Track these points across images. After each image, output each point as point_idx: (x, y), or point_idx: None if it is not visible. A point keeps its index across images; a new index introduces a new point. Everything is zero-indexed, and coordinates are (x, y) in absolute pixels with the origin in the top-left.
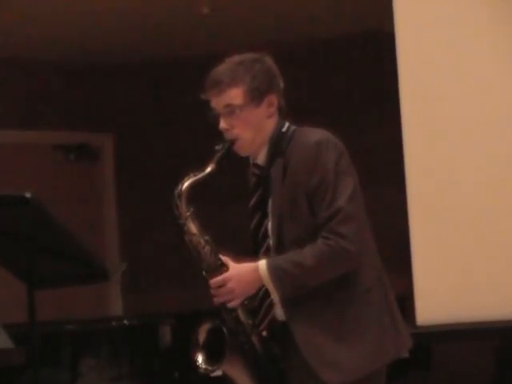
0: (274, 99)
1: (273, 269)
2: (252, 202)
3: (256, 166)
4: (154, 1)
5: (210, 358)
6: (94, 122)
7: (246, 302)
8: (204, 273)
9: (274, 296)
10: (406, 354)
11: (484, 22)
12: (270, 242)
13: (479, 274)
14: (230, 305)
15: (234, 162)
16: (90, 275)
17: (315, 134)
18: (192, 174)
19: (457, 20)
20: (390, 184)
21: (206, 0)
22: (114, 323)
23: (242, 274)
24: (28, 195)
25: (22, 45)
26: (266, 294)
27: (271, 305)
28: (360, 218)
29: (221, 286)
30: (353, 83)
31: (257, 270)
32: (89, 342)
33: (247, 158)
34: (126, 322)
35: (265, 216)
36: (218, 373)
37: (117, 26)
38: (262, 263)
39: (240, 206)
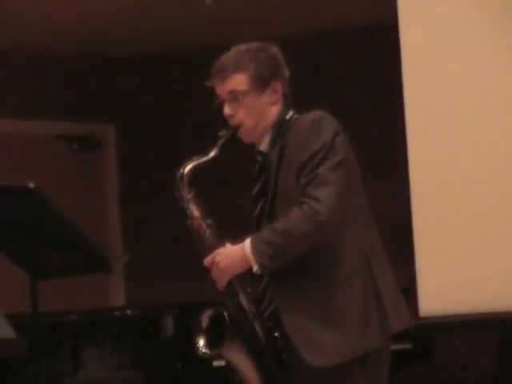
0: (278, 86)
1: (253, 241)
2: (255, 190)
3: (259, 152)
4: None
5: (211, 344)
6: (97, 113)
7: (249, 290)
8: (205, 257)
9: (255, 268)
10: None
11: (488, 13)
12: None
13: (482, 265)
14: (219, 283)
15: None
16: (92, 265)
17: (311, 114)
18: (195, 158)
19: (460, 12)
20: (392, 176)
21: None
22: (116, 314)
23: (229, 249)
24: (31, 185)
25: (25, 36)
26: (267, 285)
27: (272, 296)
28: (345, 193)
29: (212, 263)
30: (354, 75)
31: (242, 246)
32: (91, 332)
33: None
34: (128, 312)
35: (267, 203)
36: (221, 362)
37: (119, 18)
38: (247, 239)
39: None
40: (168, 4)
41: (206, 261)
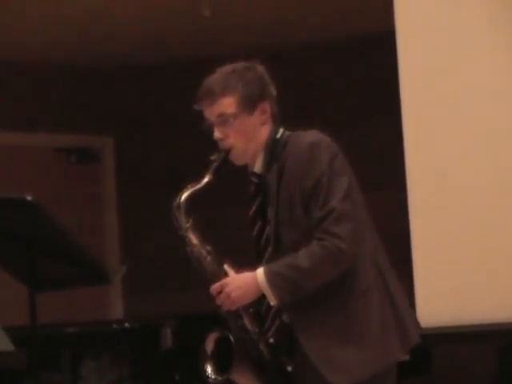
0: (266, 106)
1: (270, 275)
2: (252, 211)
3: (253, 174)
4: (155, 4)
5: (218, 368)
6: (95, 125)
7: (251, 310)
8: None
9: (273, 302)
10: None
11: (485, 22)
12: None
13: (480, 276)
14: (228, 309)
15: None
16: (90, 278)
17: (308, 136)
18: (189, 186)
19: (458, 20)
20: (390, 186)
21: (207, 3)
22: (114, 326)
23: (240, 279)
24: (29, 198)
25: (23, 48)
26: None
27: (278, 311)
28: (355, 216)
29: (219, 292)
30: (352, 85)
31: (255, 277)
32: (90, 344)
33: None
34: (126, 324)
35: (265, 223)
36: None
37: (117, 29)
38: (260, 270)
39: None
40: (167, 16)
41: (213, 289)
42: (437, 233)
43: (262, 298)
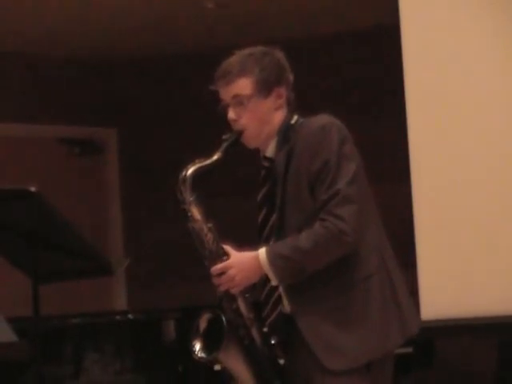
0: (282, 92)
1: (272, 255)
2: (260, 196)
3: (265, 158)
4: None
5: (208, 347)
6: (99, 117)
7: (247, 295)
8: (205, 261)
9: (274, 282)
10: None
11: (489, 17)
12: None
13: (483, 269)
14: (232, 291)
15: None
16: (93, 269)
17: (319, 119)
18: (197, 161)
19: (462, 15)
20: (395, 180)
21: None
22: (118, 317)
23: (243, 261)
24: (32, 189)
25: (27, 40)
26: (274, 288)
27: (279, 299)
28: (360, 202)
29: (221, 273)
30: (354, 79)
31: (257, 257)
32: (93, 336)
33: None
34: (130, 316)
35: (272, 210)
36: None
37: (120, 22)
38: (262, 251)
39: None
40: (169, 8)
41: (215, 269)
42: (440, 226)
43: (264, 283)
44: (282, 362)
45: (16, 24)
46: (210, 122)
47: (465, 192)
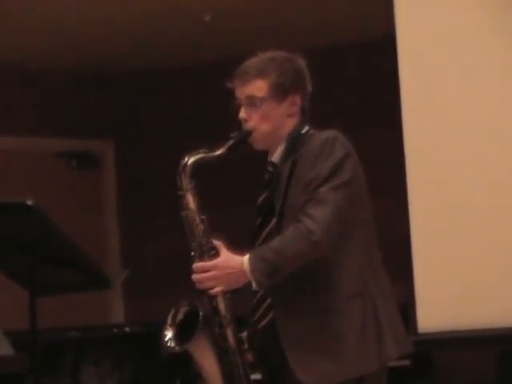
0: (297, 99)
1: (250, 257)
2: (260, 199)
3: (270, 163)
4: (155, 8)
5: (180, 339)
6: (96, 130)
7: (227, 296)
8: (192, 253)
9: (254, 285)
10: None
11: (486, 27)
12: None
13: (480, 281)
14: (211, 292)
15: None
16: (91, 282)
17: (325, 133)
18: (201, 151)
19: (458, 25)
20: (391, 193)
21: (207, 7)
22: (115, 331)
23: (230, 265)
24: (30, 202)
25: (24, 53)
26: (265, 296)
27: (270, 307)
28: (341, 210)
29: (205, 271)
30: (352, 92)
31: (242, 262)
32: (90, 349)
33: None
34: (127, 329)
35: (270, 216)
36: (257, 376)
37: (118, 35)
38: (246, 257)
39: None
40: (167, 21)
41: (198, 266)
42: (437, 239)
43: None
44: (256, 376)
45: (12, 38)
46: (208, 135)
47: (461, 204)
